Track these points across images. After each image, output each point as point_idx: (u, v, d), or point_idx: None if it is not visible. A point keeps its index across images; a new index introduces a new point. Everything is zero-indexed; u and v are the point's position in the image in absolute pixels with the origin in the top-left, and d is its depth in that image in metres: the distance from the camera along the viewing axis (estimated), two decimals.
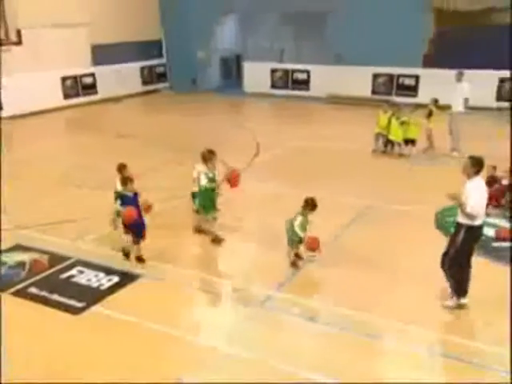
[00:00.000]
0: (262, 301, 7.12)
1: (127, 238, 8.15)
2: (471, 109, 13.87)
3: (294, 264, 8.05)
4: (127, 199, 7.91)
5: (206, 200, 8.67)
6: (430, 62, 20.23)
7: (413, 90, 20.53)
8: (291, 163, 13.38)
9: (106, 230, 8.74)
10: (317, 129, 17.26)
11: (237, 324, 6.76)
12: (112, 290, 7.48)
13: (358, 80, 21.12)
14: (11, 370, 5.74)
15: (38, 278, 7.82)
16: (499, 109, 18.87)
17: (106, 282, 7.67)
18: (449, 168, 12.83)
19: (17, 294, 7.42)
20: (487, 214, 9.56)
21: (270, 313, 6.92)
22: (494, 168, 10.39)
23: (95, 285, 7.58)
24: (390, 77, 21.10)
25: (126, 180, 7.99)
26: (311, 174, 12.15)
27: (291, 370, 5.73)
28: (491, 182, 10.13)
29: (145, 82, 25.50)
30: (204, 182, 8.49)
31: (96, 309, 7.01)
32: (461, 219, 6.66)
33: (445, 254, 6.88)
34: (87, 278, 7.78)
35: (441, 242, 7.34)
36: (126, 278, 7.76)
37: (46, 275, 7.90)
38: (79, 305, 7.06)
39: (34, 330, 6.62)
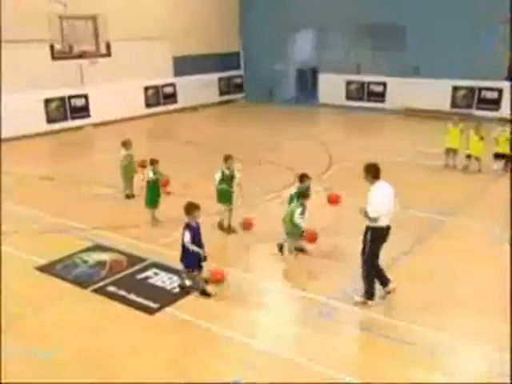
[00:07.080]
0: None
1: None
2: None
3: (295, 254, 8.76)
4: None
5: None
6: None
7: (495, 103, 19.90)
8: (359, 176, 13.23)
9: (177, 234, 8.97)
10: (390, 141, 17.06)
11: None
12: (184, 293, 7.71)
13: (436, 93, 20.69)
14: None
15: (116, 277, 8.22)
16: None
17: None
18: None
19: (97, 291, 7.83)
20: None
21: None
22: None
23: (169, 287, 7.88)
24: (471, 90, 20.56)
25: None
26: None
27: None
28: None
29: (222, 93, 26.23)
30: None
31: (169, 310, 7.29)
32: (367, 222, 6.99)
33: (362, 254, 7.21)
34: (162, 280, 8.10)
35: None
36: None
37: (123, 275, 8.29)
38: (154, 305, 7.37)
39: (117, 325, 6.99)
